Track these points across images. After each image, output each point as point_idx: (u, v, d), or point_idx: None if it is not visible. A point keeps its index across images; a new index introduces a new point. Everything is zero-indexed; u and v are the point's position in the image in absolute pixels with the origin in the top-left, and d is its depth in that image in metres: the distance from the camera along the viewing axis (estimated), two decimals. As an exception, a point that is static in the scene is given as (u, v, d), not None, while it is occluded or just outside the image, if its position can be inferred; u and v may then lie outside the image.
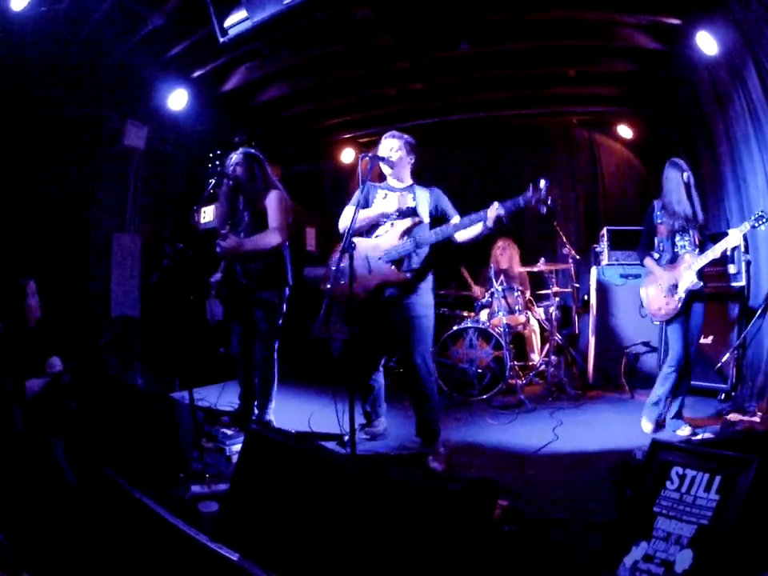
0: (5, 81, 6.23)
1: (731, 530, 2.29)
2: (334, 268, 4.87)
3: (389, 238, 5.12)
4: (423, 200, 5.21)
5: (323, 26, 7.00)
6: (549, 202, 4.58)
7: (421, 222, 5.10)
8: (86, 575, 3.04)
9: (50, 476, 3.57)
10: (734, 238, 5.12)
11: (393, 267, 5.06)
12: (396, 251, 5.06)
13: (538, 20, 7.02)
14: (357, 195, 5.22)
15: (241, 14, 6.05)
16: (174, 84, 7.75)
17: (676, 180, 5.39)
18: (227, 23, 6.20)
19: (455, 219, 5.07)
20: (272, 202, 5.65)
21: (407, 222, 5.09)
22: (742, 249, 6.58)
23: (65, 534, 3.22)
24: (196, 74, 7.96)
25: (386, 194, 5.30)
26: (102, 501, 3.58)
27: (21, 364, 4.66)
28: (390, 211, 5.16)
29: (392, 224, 5.18)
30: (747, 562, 2.31)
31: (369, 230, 5.28)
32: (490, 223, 4.69)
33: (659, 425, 5.56)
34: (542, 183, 4.55)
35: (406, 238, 5.06)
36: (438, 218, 5.20)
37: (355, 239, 4.81)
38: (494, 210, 4.64)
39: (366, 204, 5.22)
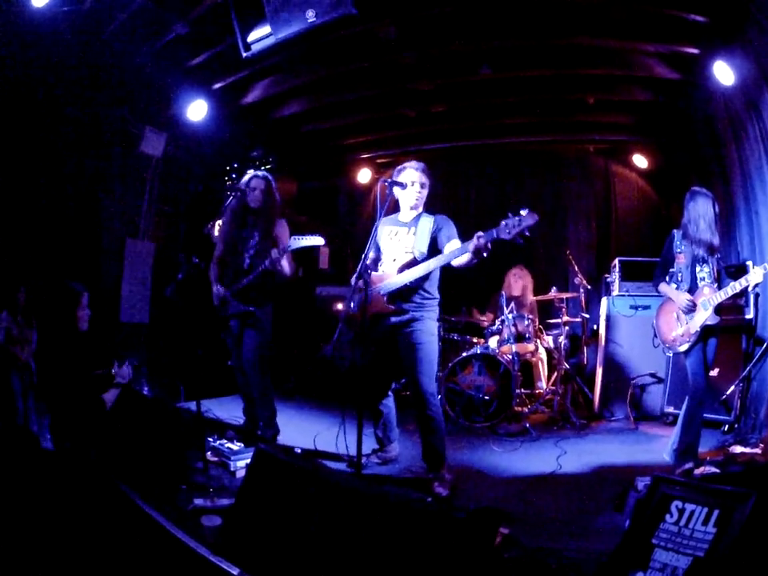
0: (21, 77, 6.27)
1: (725, 561, 2.31)
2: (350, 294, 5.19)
3: (389, 271, 5.24)
4: (424, 231, 5.23)
5: (346, 43, 7.06)
6: (527, 234, 4.45)
7: (416, 259, 5.17)
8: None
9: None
10: (756, 276, 4.99)
11: (384, 299, 5.15)
12: (392, 285, 5.14)
13: (559, 46, 7.09)
14: (373, 232, 5.31)
15: (265, 30, 6.05)
16: (194, 94, 7.83)
17: (704, 208, 5.32)
18: (251, 38, 6.21)
19: (446, 249, 5.08)
20: (283, 235, 5.87)
21: (406, 258, 5.19)
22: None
23: (62, 537, 3.24)
24: (216, 85, 8.03)
25: (390, 231, 5.40)
26: (102, 503, 3.60)
27: (65, 369, 4.71)
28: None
29: (394, 259, 5.29)
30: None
31: (375, 263, 5.45)
32: (472, 253, 4.66)
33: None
34: (523, 212, 4.47)
35: (404, 272, 5.13)
36: (435, 247, 5.23)
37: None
38: (476, 241, 4.59)
39: (375, 241, 5.31)
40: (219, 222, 7.35)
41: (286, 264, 5.72)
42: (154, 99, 7.83)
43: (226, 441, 5.53)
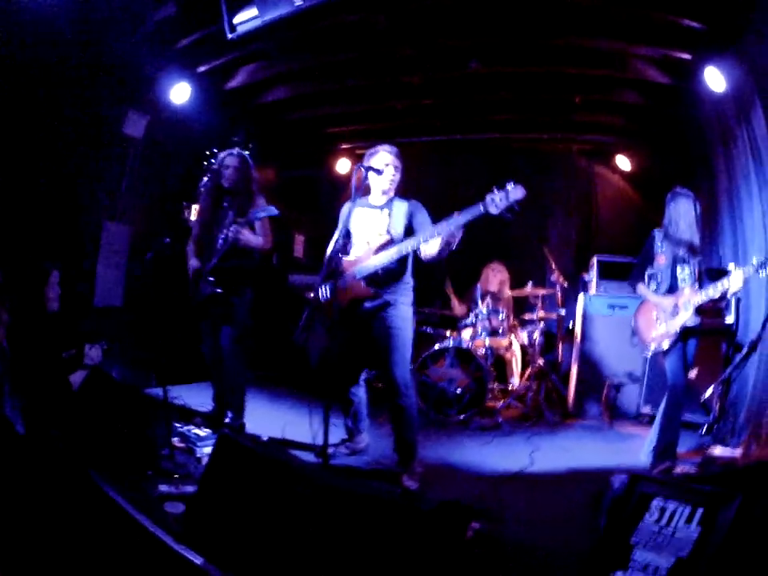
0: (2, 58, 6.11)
1: (711, 563, 2.24)
2: (320, 278, 4.96)
3: (364, 255, 5.10)
4: (400, 214, 5.14)
5: (333, 32, 6.95)
6: (516, 208, 4.38)
7: (392, 240, 5.05)
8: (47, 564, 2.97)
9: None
10: (737, 279, 4.97)
11: (362, 283, 5.02)
12: (369, 268, 5.01)
13: (550, 45, 7.03)
14: (343, 216, 5.25)
15: (251, 12, 6.02)
16: (178, 77, 7.64)
17: (685, 209, 5.33)
18: (237, 20, 6.17)
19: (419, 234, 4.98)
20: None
21: (381, 239, 5.07)
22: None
23: (29, 520, 3.16)
24: (201, 68, 7.85)
25: (362, 213, 5.28)
26: (69, 487, 3.51)
27: (34, 349, 4.59)
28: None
29: (368, 242, 5.16)
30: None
31: (345, 247, 5.26)
32: (445, 236, 4.57)
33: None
34: (509, 186, 4.42)
35: (379, 254, 5.01)
36: (410, 231, 5.12)
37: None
38: (452, 221, 4.52)
39: (345, 226, 5.18)
40: (196, 206, 7.25)
41: (249, 236, 5.57)
42: (138, 81, 7.62)
43: (193, 427, 5.43)
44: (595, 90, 8.11)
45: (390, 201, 5.25)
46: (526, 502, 4.62)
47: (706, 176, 7.49)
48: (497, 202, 4.38)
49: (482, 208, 4.43)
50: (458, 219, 4.50)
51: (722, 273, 5.24)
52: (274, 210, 5.50)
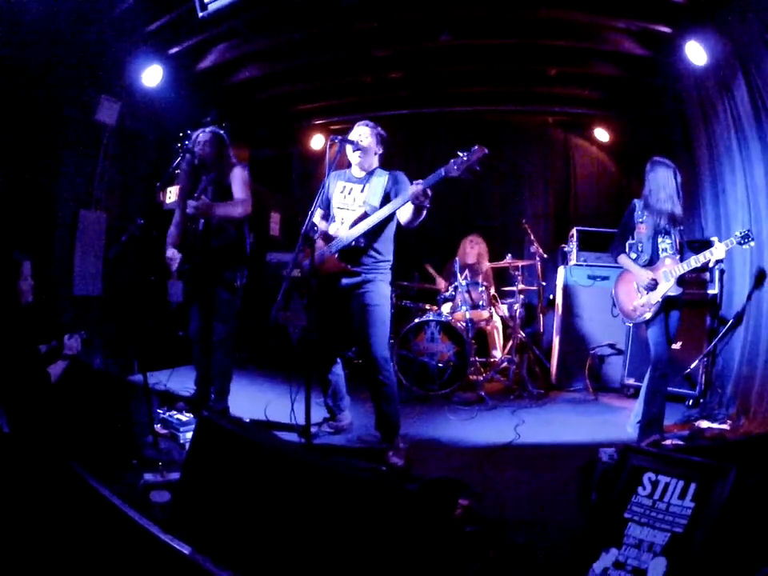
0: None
1: (708, 539, 2.23)
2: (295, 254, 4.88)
3: (341, 229, 5.07)
4: (378, 186, 5.10)
5: (304, 8, 6.85)
6: (477, 168, 4.48)
7: (366, 213, 5.01)
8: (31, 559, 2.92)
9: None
10: (719, 251, 5.00)
11: (336, 257, 5.01)
12: (344, 241, 4.99)
13: (525, 18, 6.93)
14: (321, 189, 5.16)
15: (222, -11, 5.97)
16: (149, 60, 7.50)
17: (665, 178, 5.29)
18: (207, -2, 6.11)
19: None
20: (237, 176, 5.64)
21: (357, 213, 5.04)
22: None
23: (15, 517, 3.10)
24: (173, 50, 7.71)
25: (344, 187, 5.24)
26: (53, 481, 3.45)
27: (9, 343, 4.50)
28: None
29: (344, 216, 5.14)
30: (722, 572, 2.24)
31: (326, 218, 5.30)
32: (413, 200, 4.57)
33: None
34: (472, 148, 4.48)
35: (354, 228, 4.98)
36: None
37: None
38: (413, 187, 4.55)
39: (325, 196, 5.23)
40: (170, 189, 7.11)
41: (215, 208, 5.45)
42: (110, 66, 7.45)
43: (175, 412, 5.36)
44: (571, 62, 8.04)
45: (371, 173, 5.22)
46: (514, 475, 4.60)
47: (686, 148, 7.47)
48: (458, 164, 4.46)
49: (443, 172, 4.51)
50: (419, 186, 4.52)
51: (705, 245, 5.23)
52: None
